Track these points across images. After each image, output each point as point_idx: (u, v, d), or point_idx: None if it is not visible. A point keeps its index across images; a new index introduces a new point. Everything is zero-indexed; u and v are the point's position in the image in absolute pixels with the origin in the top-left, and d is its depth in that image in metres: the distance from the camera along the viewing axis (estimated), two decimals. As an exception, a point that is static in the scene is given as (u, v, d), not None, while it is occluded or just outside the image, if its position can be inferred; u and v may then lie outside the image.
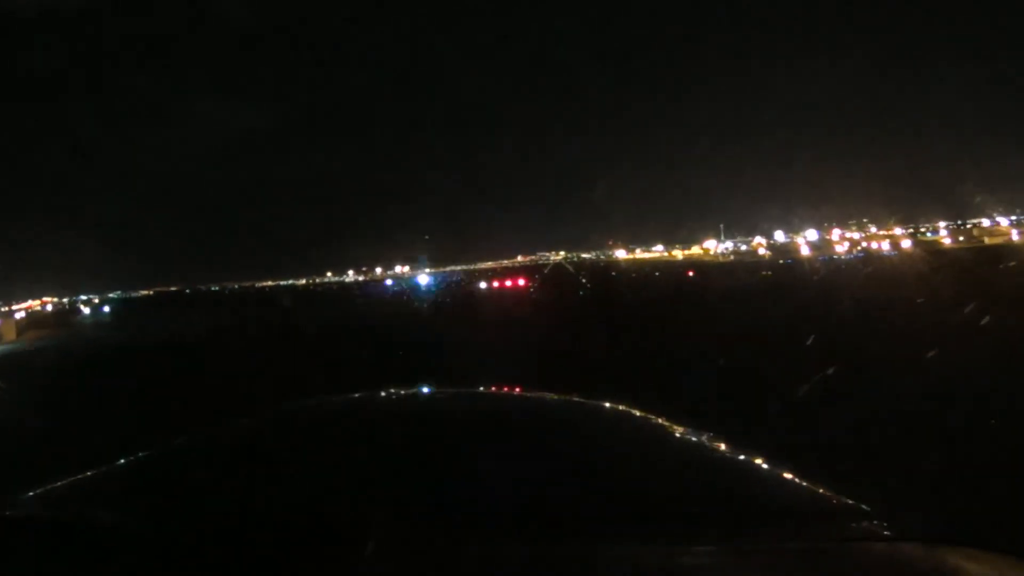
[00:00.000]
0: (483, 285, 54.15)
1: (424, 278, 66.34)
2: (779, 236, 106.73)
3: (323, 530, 1.29)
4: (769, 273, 43.87)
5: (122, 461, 1.97)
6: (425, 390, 2.92)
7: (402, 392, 2.73)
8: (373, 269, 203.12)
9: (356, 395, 2.56)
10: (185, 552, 1.28)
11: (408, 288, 58.60)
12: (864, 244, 76.70)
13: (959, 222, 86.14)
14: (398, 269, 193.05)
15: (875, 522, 1.50)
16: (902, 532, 1.43)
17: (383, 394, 2.63)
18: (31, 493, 1.70)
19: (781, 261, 62.26)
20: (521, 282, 52.14)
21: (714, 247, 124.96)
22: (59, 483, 1.75)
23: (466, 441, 1.94)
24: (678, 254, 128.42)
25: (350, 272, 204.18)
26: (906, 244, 68.51)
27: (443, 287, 57.41)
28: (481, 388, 3.08)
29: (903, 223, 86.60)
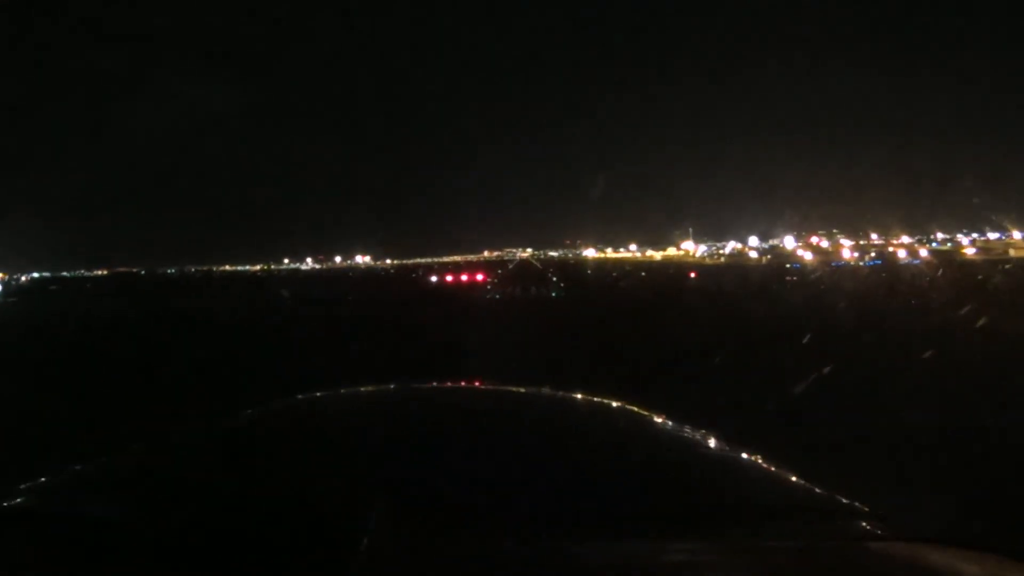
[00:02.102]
0: (434, 279, 45.56)
1: None
2: (753, 241, 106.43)
3: (317, 528, 1.28)
4: (793, 278, 37.11)
5: (118, 453, 1.94)
6: (415, 386, 2.83)
7: (394, 388, 2.71)
8: (332, 257, 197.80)
9: (349, 391, 2.56)
10: (178, 548, 1.27)
11: None
12: (874, 252, 69.79)
13: (928, 235, 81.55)
14: (359, 259, 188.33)
15: (872, 521, 1.50)
16: (899, 532, 1.43)
17: (376, 390, 2.65)
18: (25, 485, 1.65)
19: (788, 265, 53.80)
20: (479, 277, 43.42)
21: (692, 249, 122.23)
22: (55, 475, 1.74)
23: (460, 438, 1.93)
24: (656, 255, 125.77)
25: (308, 259, 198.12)
26: (920, 253, 62.17)
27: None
28: (476, 384, 3.05)
29: (880, 233, 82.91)
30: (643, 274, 49.56)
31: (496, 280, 42.79)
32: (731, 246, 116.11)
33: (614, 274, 51.90)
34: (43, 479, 1.68)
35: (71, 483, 1.69)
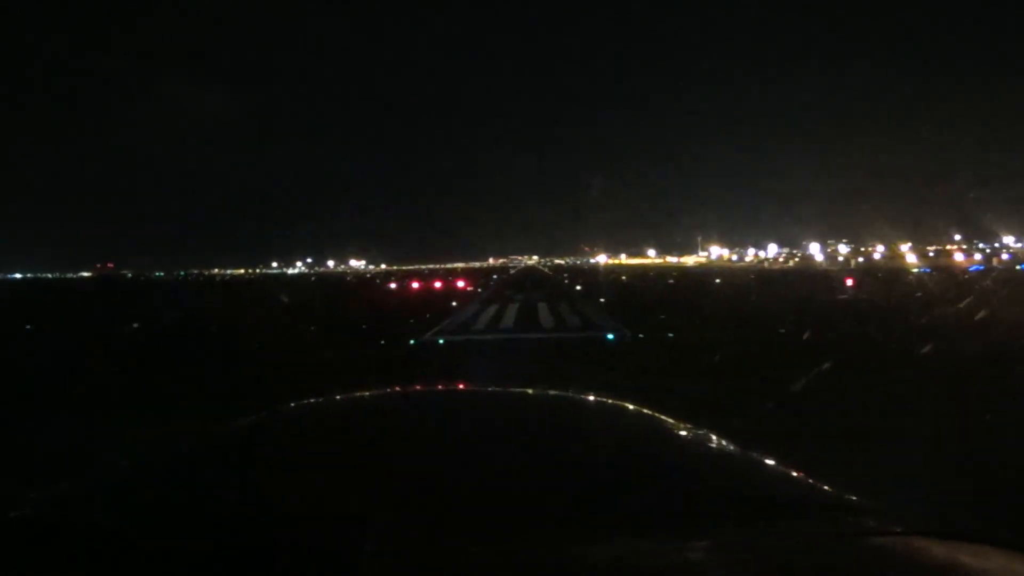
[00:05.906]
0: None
1: None
2: (772, 248, 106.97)
3: (321, 535, 1.29)
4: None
5: (121, 462, 2.02)
6: (415, 389, 2.92)
7: (394, 392, 2.73)
8: (324, 261, 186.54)
9: (354, 395, 2.54)
10: (180, 556, 1.29)
11: None
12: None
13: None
14: (353, 262, 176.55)
15: (877, 516, 1.51)
16: (906, 526, 1.44)
17: (380, 393, 2.64)
18: (36, 495, 1.71)
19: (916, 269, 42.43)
20: (461, 284, 32.01)
21: (727, 255, 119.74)
22: (63, 485, 1.77)
23: (461, 440, 1.93)
24: (688, 260, 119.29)
25: (298, 263, 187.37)
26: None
27: None
28: (475, 387, 3.05)
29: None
30: (718, 281, 36.34)
31: (480, 288, 30.86)
32: (751, 252, 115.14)
33: (671, 280, 38.83)
34: (52, 488, 1.70)
35: (77, 492, 1.70)
